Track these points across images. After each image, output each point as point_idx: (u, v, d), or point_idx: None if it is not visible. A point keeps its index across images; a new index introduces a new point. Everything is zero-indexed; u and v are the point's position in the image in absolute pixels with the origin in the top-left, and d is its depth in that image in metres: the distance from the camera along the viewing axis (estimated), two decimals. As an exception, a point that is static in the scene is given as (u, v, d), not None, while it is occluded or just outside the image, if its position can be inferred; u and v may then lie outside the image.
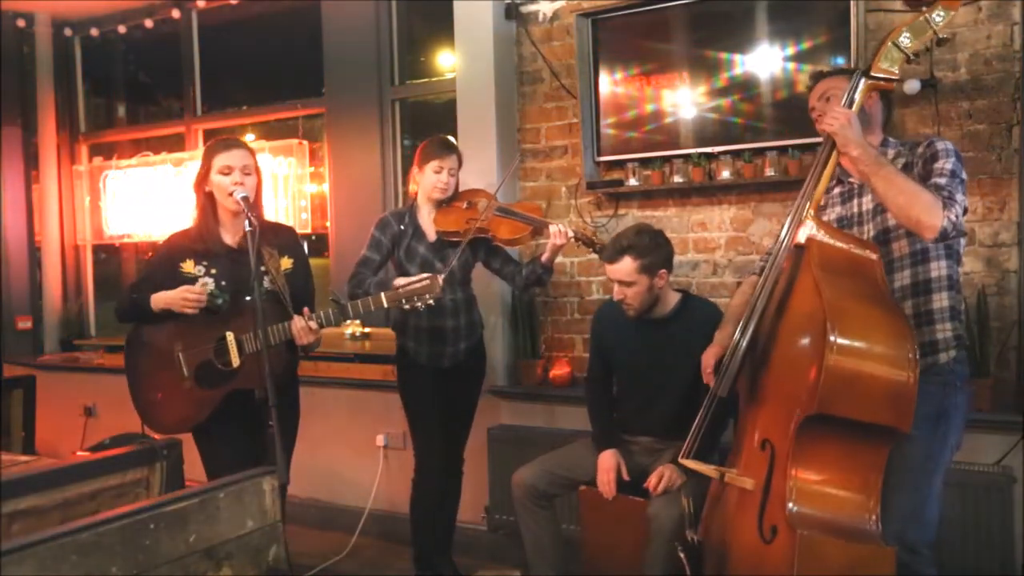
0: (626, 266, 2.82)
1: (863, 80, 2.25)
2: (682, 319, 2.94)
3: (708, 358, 2.47)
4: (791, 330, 2.19)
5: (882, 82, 2.25)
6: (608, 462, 2.95)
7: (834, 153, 2.23)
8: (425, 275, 2.71)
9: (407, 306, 2.70)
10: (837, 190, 2.50)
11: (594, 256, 3.81)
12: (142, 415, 2.83)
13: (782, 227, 2.32)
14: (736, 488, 2.29)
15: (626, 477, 2.95)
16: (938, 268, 2.30)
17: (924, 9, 2.22)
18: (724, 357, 2.38)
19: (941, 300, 2.30)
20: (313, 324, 2.68)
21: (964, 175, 2.26)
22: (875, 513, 2.09)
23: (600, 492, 2.94)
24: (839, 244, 2.22)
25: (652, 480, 2.80)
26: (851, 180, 2.44)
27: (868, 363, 2.04)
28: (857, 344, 2.04)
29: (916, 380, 2.04)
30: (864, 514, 2.09)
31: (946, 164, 2.24)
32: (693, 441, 2.40)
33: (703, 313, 2.97)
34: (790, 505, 2.07)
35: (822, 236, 2.21)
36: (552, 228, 3.17)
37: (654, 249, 2.85)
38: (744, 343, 2.29)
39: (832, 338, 2.01)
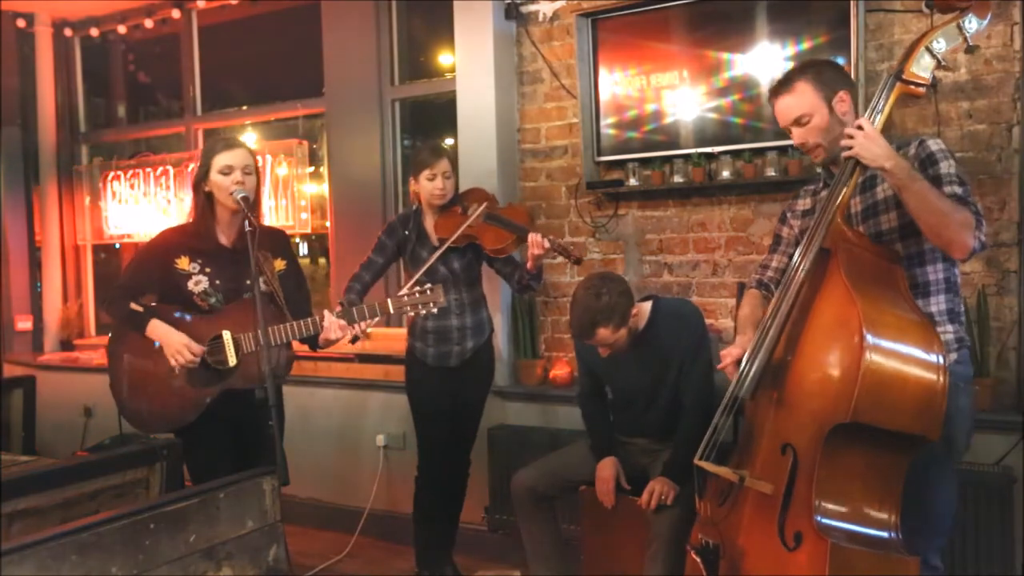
0: (603, 335, 2.79)
1: (896, 84, 2.15)
2: (659, 325, 2.94)
3: (729, 355, 2.37)
4: (819, 335, 2.15)
5: (912, 87, 2.14)
6: (607, 471, 2.95)
7: (857, 170, 2.14)
8: (427, 285, 2.72)
9: (412, 313, 2.72)
10: (825, 191, 2.38)
11: (595, 256, 3.83)
12: (127, 415, 2.79)
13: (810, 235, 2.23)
14: (752, 491, 2.24)
15: (626, 485, 2.95)
16: (935, 271, 2.24)
17: (957, 14, 2.15)
18: (744, 358, 2.31)
19: (939, 303, 2.24)
20: (344, 321, 2.68)
21: (964, 173, 2.18)
22: (896, 523, 2.07)
23: (601, 500, 2.94)
24: (865, 251, 2.17)
25: (644, 498, 2.80)
26: None
27: (903, 371, 2.01)
28: (893, 352, 2.00)
29: (946, 388, 2.00)
30: (887, 524, 2.07)
31: (950, 168, 2.15)
32: (709, 444, 2.34)
33: (677, 312, 2.99)
34: (817, 515, 2.04)
35: (849, 242, 2.17)
36: (530, 237, 3.17)
37: (617, 303, 2.77)
38: (767, 345, 2.23)
39: (869, 345, 1.97)
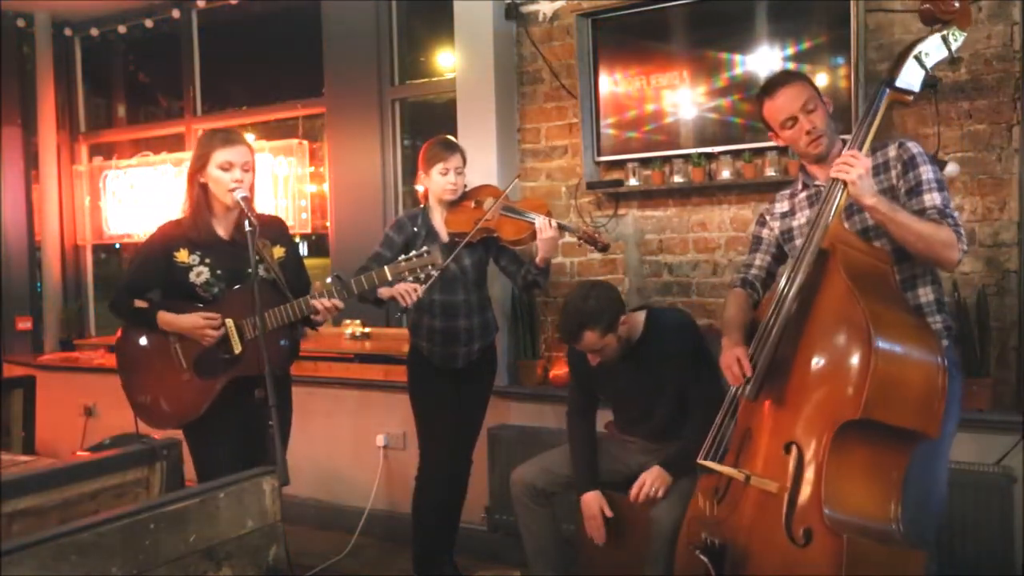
0: (589, 339, 2.79)
1: (887, 92, 2.24)
2: (654, 335, 2.93)
3: (733, 357, 2.34)
4: (822, 334, 2.19)
5: (903, 95, 2.25)
6: (591, 508, 2.93)
7: (844, 193, 2.20)
8: (424, 248, 2.72)
9: (411, 278, 2.72)
10: (804, 194, 2.49)
11: (595, 256, 3.82)
12: (139, 412, 2.80)
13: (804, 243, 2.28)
14: (753, 490, 2.25)
15: (609, 514, 2.91)
16: (920, 263, 2.31)
17: (940, 27, 2.21)
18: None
19: (927, 294, 2.34)
20: (327, 300, 2.67)
21: (942, 175, 2.29)
22: (899, 516, 2.11)
23: (591, 536, 2.94)
24: (861, 252, 2.24)
25: (634, 491, 2.80)
26: (817, 183, 2.42)
27: (907, 369, 2.09)
28: (898, 350, 2.09)
29: (946, 385, 2.07)
30: (890, 517, 2.11)
31: (928, 172, 2.25)
32: (712, 442, 2.37)
33: (672, 322, 3.00)
34: (827, 510, 2.08)
35: (846, 243, 2.23)
36: (538, 222, 3.16)
37: (605, 308, 2.78)
38: (771, 346, 2.26)
39: (878, 349, 2.04)
